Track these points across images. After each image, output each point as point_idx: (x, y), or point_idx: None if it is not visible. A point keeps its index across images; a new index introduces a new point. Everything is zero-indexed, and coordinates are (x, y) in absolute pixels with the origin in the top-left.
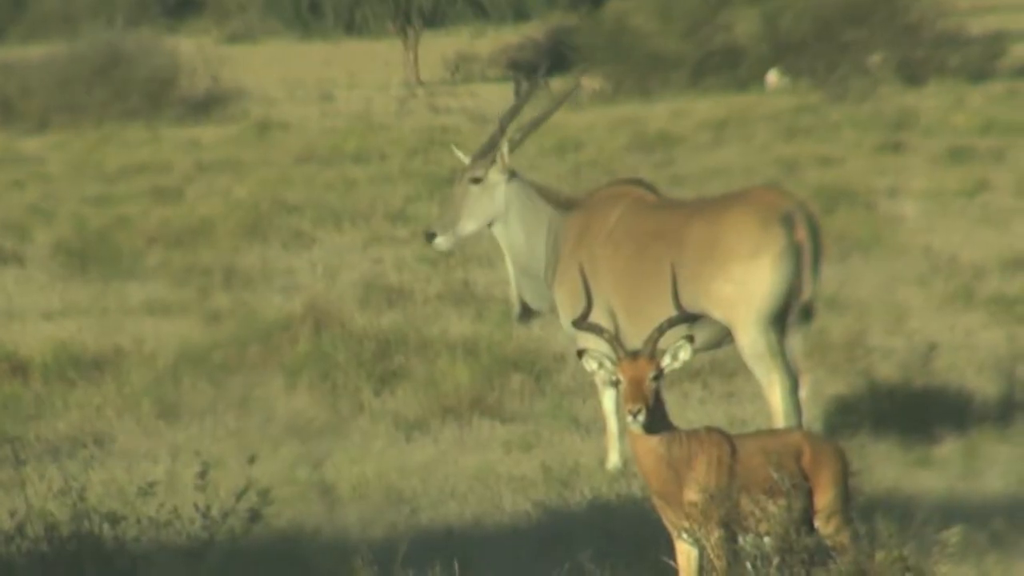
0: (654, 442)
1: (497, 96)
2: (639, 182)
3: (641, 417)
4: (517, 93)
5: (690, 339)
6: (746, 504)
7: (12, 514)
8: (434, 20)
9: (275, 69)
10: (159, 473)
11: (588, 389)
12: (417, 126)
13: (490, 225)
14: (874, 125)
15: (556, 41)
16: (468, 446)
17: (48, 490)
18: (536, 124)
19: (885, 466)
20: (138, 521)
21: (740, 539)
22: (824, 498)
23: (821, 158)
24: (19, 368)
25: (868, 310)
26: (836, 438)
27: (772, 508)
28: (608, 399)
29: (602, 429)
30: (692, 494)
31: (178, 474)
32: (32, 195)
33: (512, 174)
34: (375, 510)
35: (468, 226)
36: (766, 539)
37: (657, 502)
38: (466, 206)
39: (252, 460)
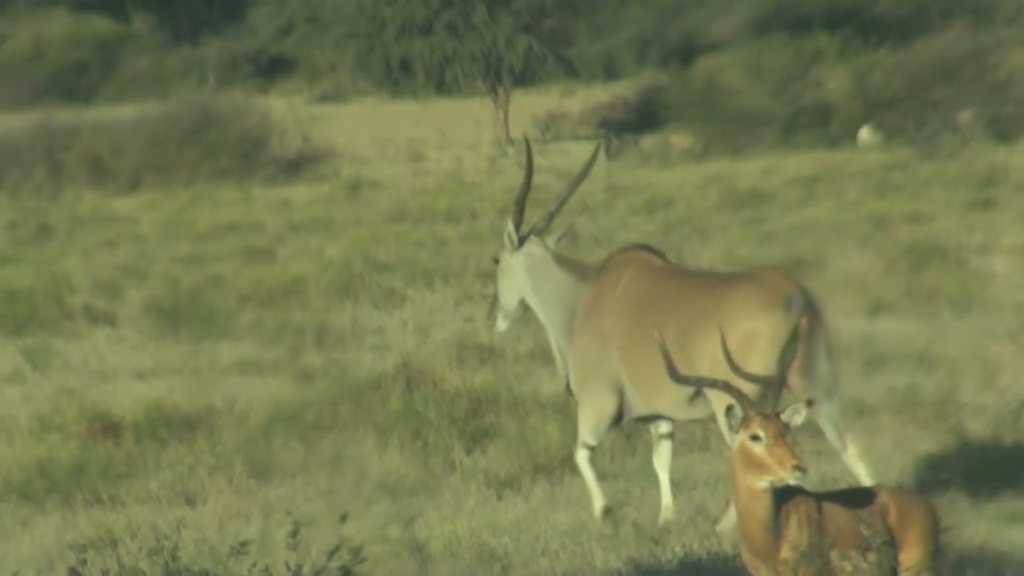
0: (767, 501)
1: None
2: (646, 247)
3: (806, 471)
4: (608, 151)
5: (809, 403)
6: (836, 561)
7: (104, 573)
8: (524, 79)
9: (366, 128)
10: (251, 532)
11: (679, 447)
12: (508, 184)
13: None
14: (964, 182)
15: (646, 99)
16: (559, 504)
17: (140, 549)
18: (568, 193)
19: (976, 523)
20: None
21: None
22: (912, 555)
23: (912, 215)
24: (111, 428)
25: (959, 366)
26: (927, 494)
27: (863, 565)
28: (583, 456)
29: (692, 486)
30: (784, 552)
31: (270, 533)
32: (124, 255)
33: (536, 248)
34: (467, 568)
35: (507, 304)
36: None
37: (750, 560)
38: (498, 286)
39: (344, 519)
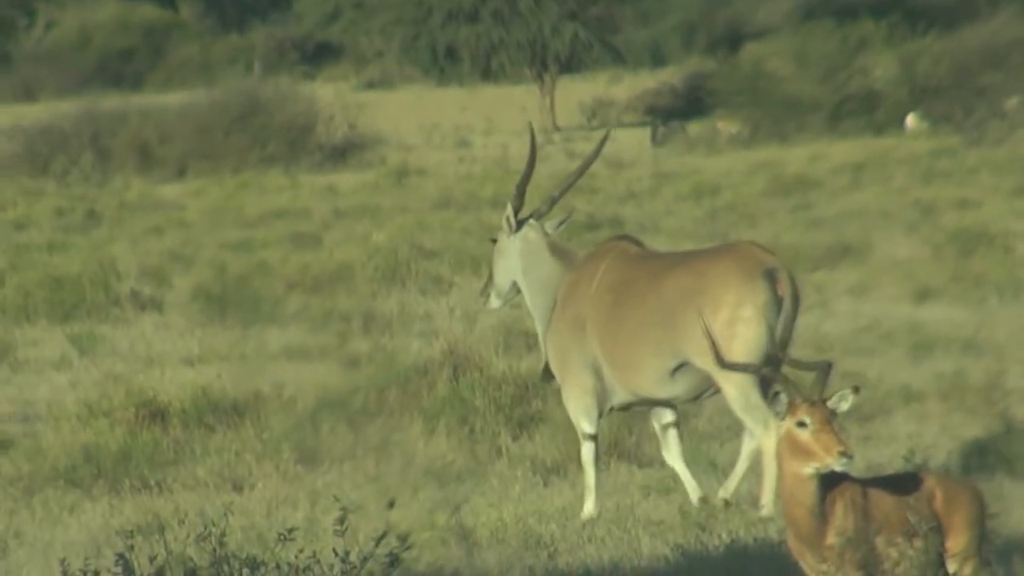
0: (813, 487)
1: (634, 141)
2: (626, 237)
3: (852, 457)
4: (654, 138)
5: (856, 389)
6: (882, 547)
7: (152, 559)
8: (571, 65)
9: (412, 115)
10: (298, 518)
11: (725, 434)
12: (554, 171)
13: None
14: (1011, 168)
15: (693, 86)
16: (606, 490)
17: (187, 535)
18: (573, 180)
19: (1023, 508)
20: (277, 567)
21: None
22: (959, 540)
23: (958, 201)
24: (159, 414)
25: (1006, 352)
26: (973, 480)
27: (909, 551)
28: (588, 450)
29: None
30: (830, 538)
31: (317, 519)
32: (171, 241)
33: (533, 234)
34: (513, 554)
35: (500, 284)
36: None
37: (796, 546)
38: (494, 266)
39: (391, 505)
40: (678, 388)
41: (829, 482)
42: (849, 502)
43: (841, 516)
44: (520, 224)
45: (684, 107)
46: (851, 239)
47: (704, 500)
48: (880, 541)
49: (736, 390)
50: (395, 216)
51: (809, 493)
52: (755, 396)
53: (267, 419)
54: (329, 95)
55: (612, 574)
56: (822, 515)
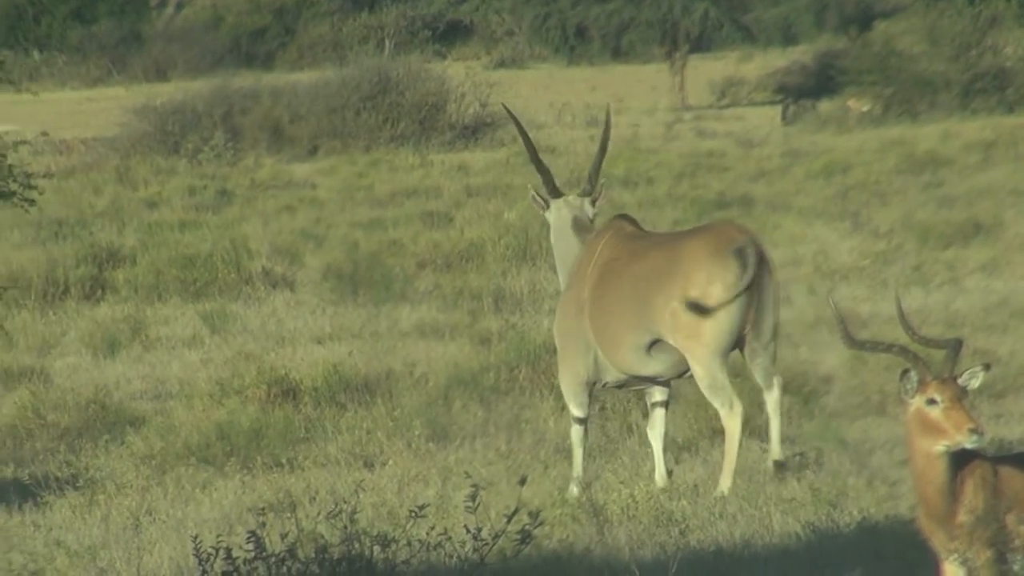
0: (943, 465)
1: (764, 120)
2: (625, 217)
3: (983, 434)
4: (784, 117)
5: (986, 367)
6: (1012, 525)
7: (283, 536)
8: (701, 44)
9: (542, 94)
10: (430, 495)
11: (855, 411)
12: (684, 150)
13: None
14: None
15: (824, 64)
16: (737, 467)
17: (319, 513)
18: (600, 157)
19: None
20: (409, 544)
21: (1010, 561)
22: None
23: None
24: (290, 391)
25: None
26: None
27: None
28: (577, 432)
29: (869, 451)
30: (961, 516)
31: (449, 496)
32: (303, 220)
33: (564, 211)
34: (644, 531)
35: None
36: None
37: (927, 524)
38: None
39: (523, 482)
40: (658, 365)
41: (960, 460)
42: (980, 480)
43: (971, 494)
44: (554, 198)
45: (815, 85)
46: (982, 217)
47: (665, 487)
48: (1011, 519)
49: (703, 370)
50: (526, 194)
51: (940, 471)
52: (721, 377)
53: (398, 397)
54: (460, 74)
55: (743, 551)
56: (952, 493)
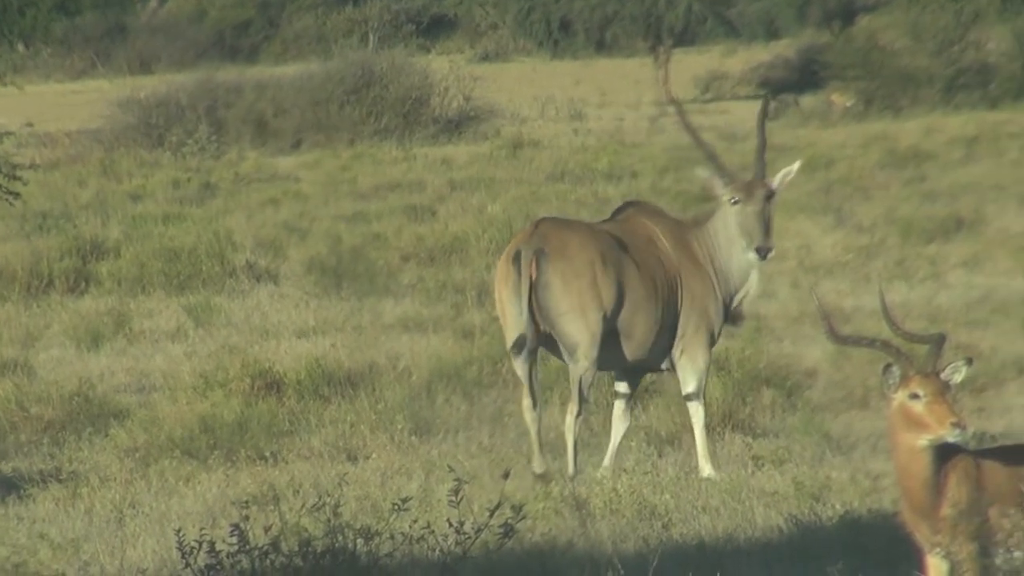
0: (927, 459)
1: (748, 114)
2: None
3: (966, 428)
4: (764, 111)
5: (969, 361)
6: (995, 518)
7: (267, 529)
8: (685, 38)
9: (526, 87)
10: (413, 489)
11: (839, 405)
12: (668, 144)
13: None
14: None
15: (807, 59)
16: (720, 461)
17: (302, 506)
18: (760, 149)
19: None
20: (392, 537)
21: (992, 554)
22: None
23: None
24: (274, 384)
25: None
26: None
27: (1022, 522)
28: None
29: (852, 444)
30: (944, 509)
31: (432, 490)
32: (286, 213)
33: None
34: (627, 525)
35: None
36: (1017, 554)
37: (911, 517)
38: None
39: (506, 475)
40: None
41: (943, 454)
42: (962, 474)
43: (955, 488)
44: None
45: (798, 80)
46: (965, 212)
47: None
48: (993, 512)
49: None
50: (509, 188)
51: (923, 465)
52: (518, 370)
53: (382, 390)
54: (444, 67)
55: (726, 544)
56: (936, 487)
